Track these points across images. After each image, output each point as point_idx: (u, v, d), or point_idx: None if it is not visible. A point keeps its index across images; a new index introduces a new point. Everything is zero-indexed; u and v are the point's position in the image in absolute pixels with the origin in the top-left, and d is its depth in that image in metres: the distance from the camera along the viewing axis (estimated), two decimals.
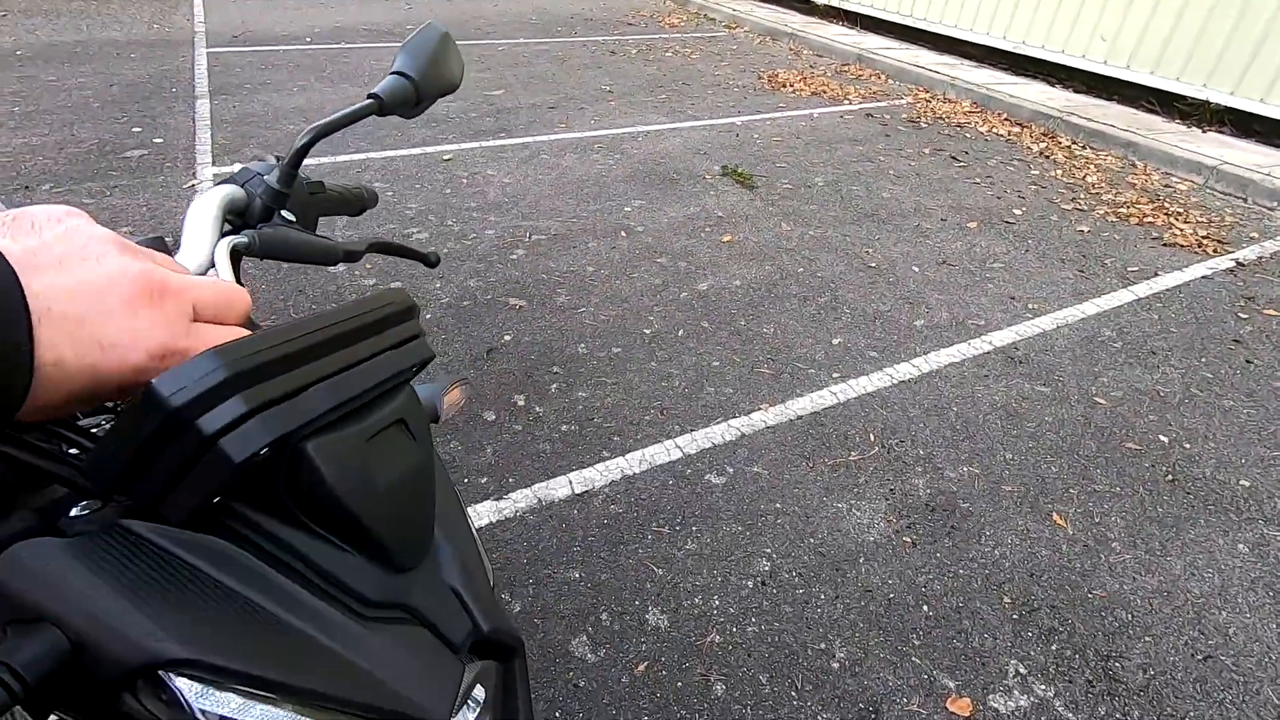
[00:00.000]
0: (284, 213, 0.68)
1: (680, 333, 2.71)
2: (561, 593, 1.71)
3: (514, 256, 3.14)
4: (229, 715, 0.37)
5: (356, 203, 0.83)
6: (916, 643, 1.65)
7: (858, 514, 1.98)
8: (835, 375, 2.54)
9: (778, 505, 2.00)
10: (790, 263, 3.26)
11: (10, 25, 6.21)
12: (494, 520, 1.89)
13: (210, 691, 0.36)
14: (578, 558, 1.80)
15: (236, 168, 3.76)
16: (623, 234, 3.40)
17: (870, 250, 3.42)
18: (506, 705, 0.54)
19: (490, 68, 5.95)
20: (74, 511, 0.40)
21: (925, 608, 1.74)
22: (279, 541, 0.41)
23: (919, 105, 5.79)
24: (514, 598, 1.69)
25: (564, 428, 2.22)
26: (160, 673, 0.35)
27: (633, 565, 1.80)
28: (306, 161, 0.76)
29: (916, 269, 3.29)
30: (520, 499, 1.96)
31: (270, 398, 0.37)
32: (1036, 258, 3.46)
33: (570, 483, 2.02)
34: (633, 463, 2.10)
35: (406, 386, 0.49)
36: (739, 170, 4.20)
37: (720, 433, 2.24)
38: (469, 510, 1.88)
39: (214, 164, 3.76)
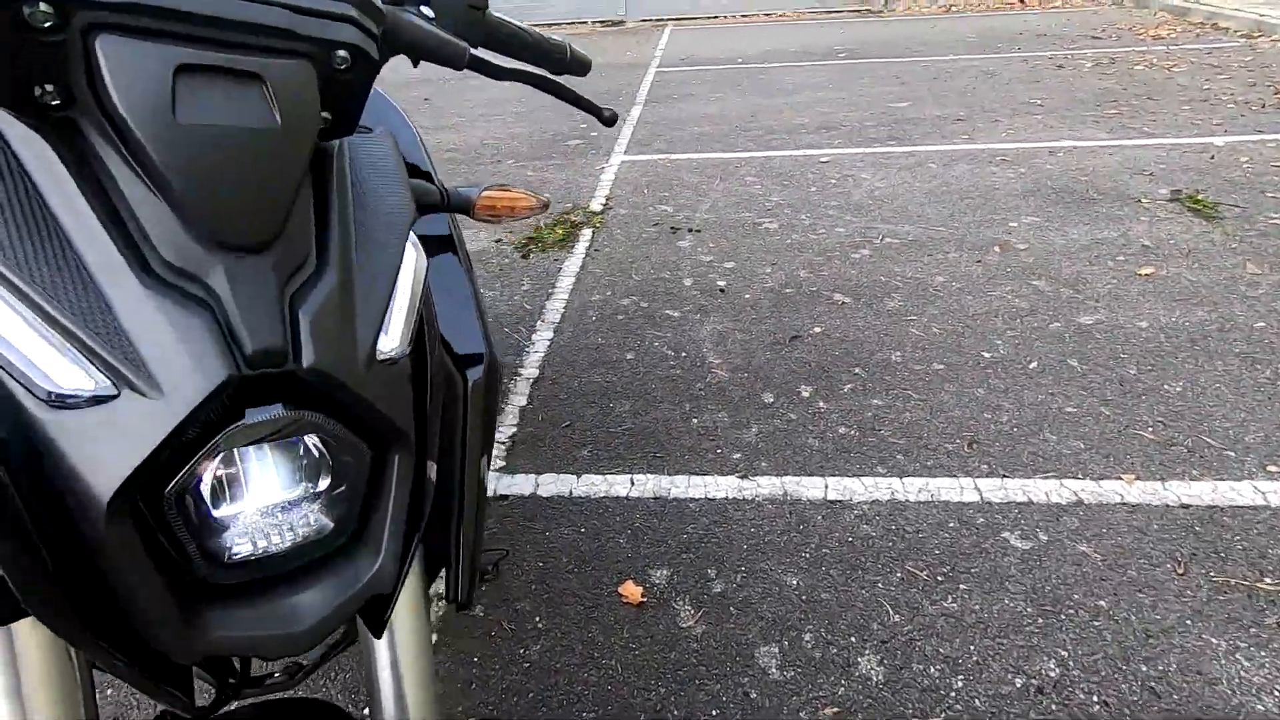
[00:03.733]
0: (424, 9, 0.68)
1: (1033, 365, 2.16)
2: (770, 593, 1.50)
3: (856, 256, 2.91)
4: None
5: (537, 49, 0.78)
6: None
7: (1244, 663, 1.29)
8: (1272, 469, 1.71)
9: (1101, 604, 1.42)
10: (1244, 313, 2.33)
11: None
12: (731, 497, 1.76)
13: None
14: (803, 565, 1.56)
15: (644, 157, 4.21)
16: (995, 249, 2.87)
17: None
18: (378, 502, 0.44)
19: (905, 82, 5.67)
20: None
21: None
22: (98, 161, 0.39)
23: None
24: (719, 577, 1.54)
25: (842, 429, 1.95)
26: None
27: (864, 598, 1.47)
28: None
29: None
30: (765, 485, 1.78)
31: None
32: None
33: (826, 486, 1.76)
34: (910, 488, 1.74)
35: (304, 62, 0.43)
36: (1198, 196, 3.18)
37: (1045, 489, 1.70)
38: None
39: (625, 153, 4.37)
